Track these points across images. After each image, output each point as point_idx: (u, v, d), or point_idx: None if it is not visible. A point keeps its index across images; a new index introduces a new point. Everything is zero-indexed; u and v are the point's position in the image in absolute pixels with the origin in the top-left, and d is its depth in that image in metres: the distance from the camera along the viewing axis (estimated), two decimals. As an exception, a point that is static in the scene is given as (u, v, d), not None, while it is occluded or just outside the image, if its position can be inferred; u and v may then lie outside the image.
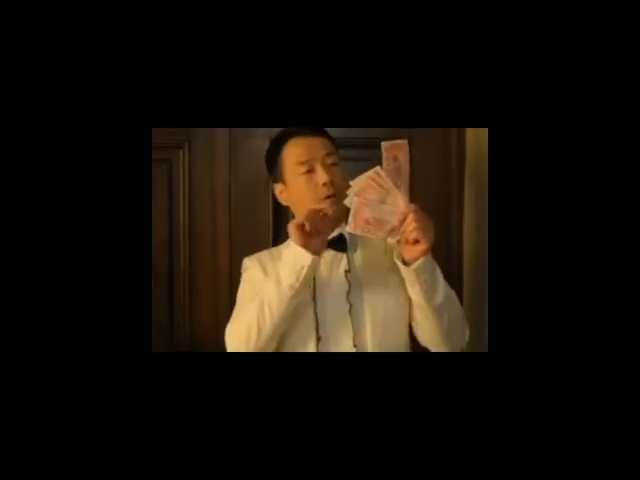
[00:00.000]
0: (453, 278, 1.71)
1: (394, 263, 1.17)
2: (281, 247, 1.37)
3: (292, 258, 1.15)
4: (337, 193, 1.21)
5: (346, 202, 1.14)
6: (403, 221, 1.11)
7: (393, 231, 1.13)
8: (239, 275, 1.37)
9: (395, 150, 1.13)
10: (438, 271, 1.17)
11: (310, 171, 1.24)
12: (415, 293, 1.17)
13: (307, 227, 1.13)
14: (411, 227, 1.10)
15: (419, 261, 1.12)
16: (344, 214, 1.16)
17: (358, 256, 1.28)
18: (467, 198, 1.71)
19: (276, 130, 1.34)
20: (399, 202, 1.12)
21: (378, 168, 1.13)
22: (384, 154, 1.12)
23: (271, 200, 1.73)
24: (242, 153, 1.74)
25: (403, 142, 1.14)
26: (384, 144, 1.13)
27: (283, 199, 1.32)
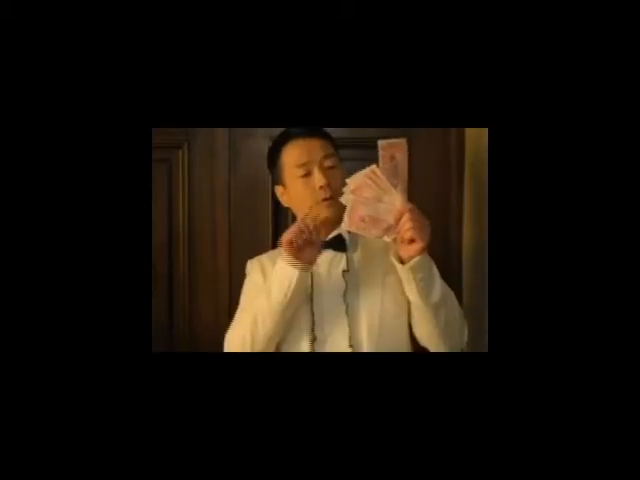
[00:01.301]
0: (453, 278, 1.71)
1: (393, 264, 1.17)
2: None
3: (279, 275, 1.16)
4: (335, 195, 1.21)
5: (342, 199, 1.15)
6: (399, 220, 1.11)
7: (389, 230, 1.13)
8: (239, 275, 1.37)
9: (392, 149, 1.13)
10: (435, 270, 1.17)
11: (308, 174, 1.24)
12: (411, 292, 1.17)
13: (296, 244, 1.13)
14: (407, 226, 1.10)
15: (415, 259, 1.12)
16: (342, 215, 1.16)
17: (357, 256, 1.27)
18: (467, 198, 1.71)
19: (276, 130, 1.33)
20: (395, 201, 1.12)
21: (374, 166, 1.13)
22: (380, 152, 1.13)
23: (271, 200, 1.73)
24: (242, 153, 1.74)
25: (401, 141, 1.14)
26: (381, 142, 1.13)
27: (284, 201, 1.33)
